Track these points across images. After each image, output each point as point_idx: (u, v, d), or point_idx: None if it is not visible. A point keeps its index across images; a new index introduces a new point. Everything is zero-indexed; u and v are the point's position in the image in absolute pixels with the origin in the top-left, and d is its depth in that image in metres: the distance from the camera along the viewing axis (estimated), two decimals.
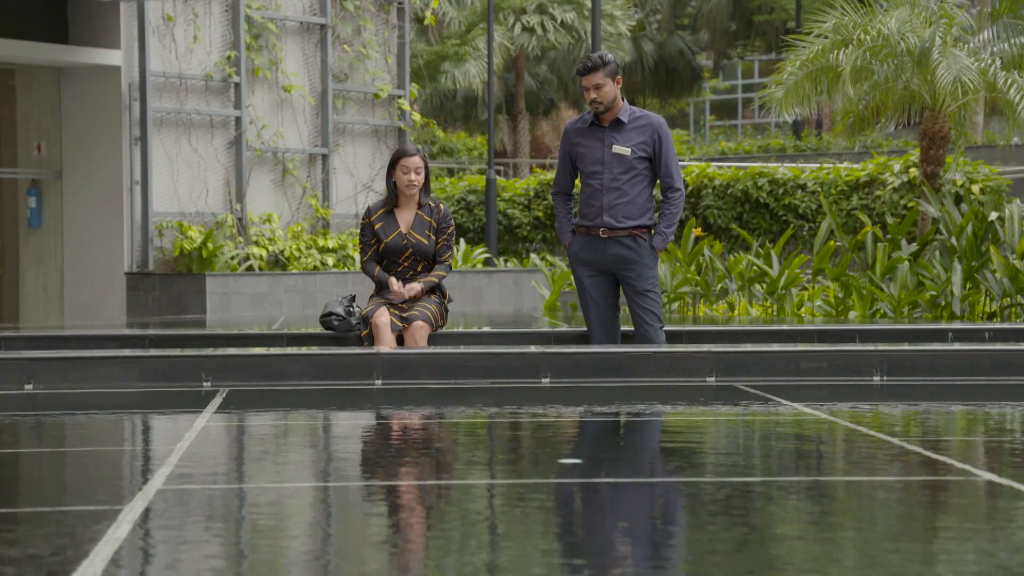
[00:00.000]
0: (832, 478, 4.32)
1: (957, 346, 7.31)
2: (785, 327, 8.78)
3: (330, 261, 14.93)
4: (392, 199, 8.32)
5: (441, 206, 8.34)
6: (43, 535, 3.34)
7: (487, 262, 17.18)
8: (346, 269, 14.94)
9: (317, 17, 15.59)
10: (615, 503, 3.85)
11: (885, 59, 14.20)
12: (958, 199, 16.97)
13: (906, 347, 7.07)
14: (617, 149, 7.74)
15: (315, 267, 14.79)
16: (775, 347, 7.12)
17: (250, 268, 14.37)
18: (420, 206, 8.29)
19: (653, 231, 7.82)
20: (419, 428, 5.62)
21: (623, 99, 7.83)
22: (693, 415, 5.86)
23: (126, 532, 3.33)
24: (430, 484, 4.21)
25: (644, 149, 7.74)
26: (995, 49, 14.84)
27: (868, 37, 14.04)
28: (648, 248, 7.77)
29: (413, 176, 8.20)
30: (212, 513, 3.70)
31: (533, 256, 16.33)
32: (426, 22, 19.59)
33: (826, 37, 14.57)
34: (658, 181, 7.88)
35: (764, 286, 12.67)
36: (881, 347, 6.81)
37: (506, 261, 18.72)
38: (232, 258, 14.27)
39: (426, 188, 8.32)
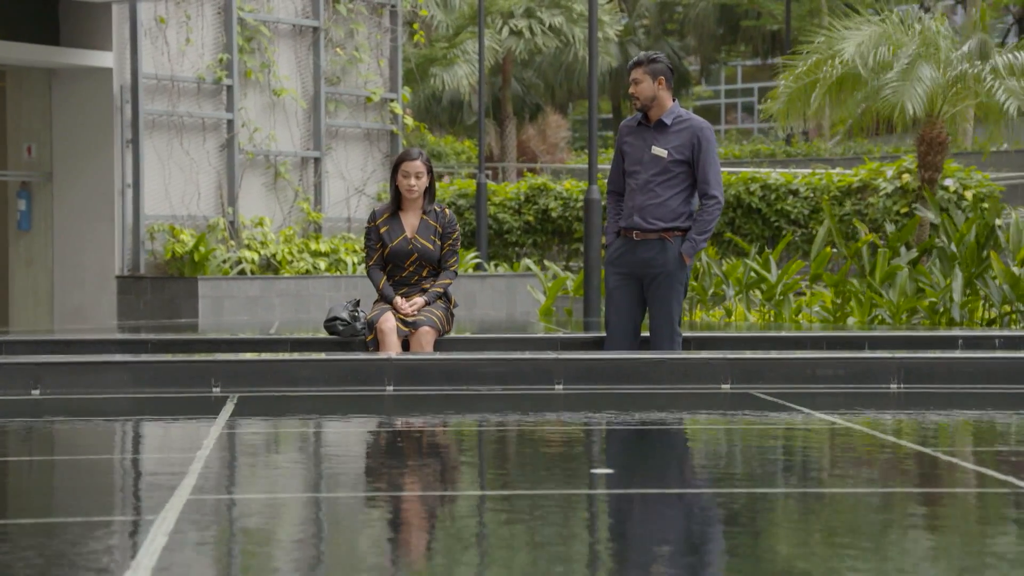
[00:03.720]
0: (877, 489, 4.25)
1: (976, 354, 7.25)
2: (797, 333, 8.69)
3: (322, 265, 14.82)
4: (396, 203, 8.24)
5: (447, 211, 8.26)
6: (78, 545, 3.25)
7: (478, 266, 17.09)
8: (338, 273, 14.83)
9: (310, 20, 15.49)
10: (655, 515, 3.77)
11: (877, 72, 14.26)
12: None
13: (924, 355, 7.00)
14: (656, 150, 7.67)
15: (307, 271, 14.68)
16: (792, 354, 7.05)
17: (242, 272, 14.26)
18: (425, 211, 8.21)
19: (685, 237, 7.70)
20: (440, 436, 5.54)
21: (674, 102, 7.80)
22: (716, 423, 5.79)
23: (163, 543, 3.25)
24: (469, 495, 4.13)
25: (682, 152, 7.65)
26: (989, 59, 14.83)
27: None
28: (676, 254, 7.62)
29: (413, 181, 8.12)
30: (247, 524, 3.62)
31: (527, 260, 16.23)
32: (416, 38, 19.48)
33: (818, 54, 14.72)
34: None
35: (762, 292, 12.61)
36: (899, 355, 6.74)
37: (496, 265, 18.61)
38: (224, 262, 14.15)
39: (430, 193, 8.23)
